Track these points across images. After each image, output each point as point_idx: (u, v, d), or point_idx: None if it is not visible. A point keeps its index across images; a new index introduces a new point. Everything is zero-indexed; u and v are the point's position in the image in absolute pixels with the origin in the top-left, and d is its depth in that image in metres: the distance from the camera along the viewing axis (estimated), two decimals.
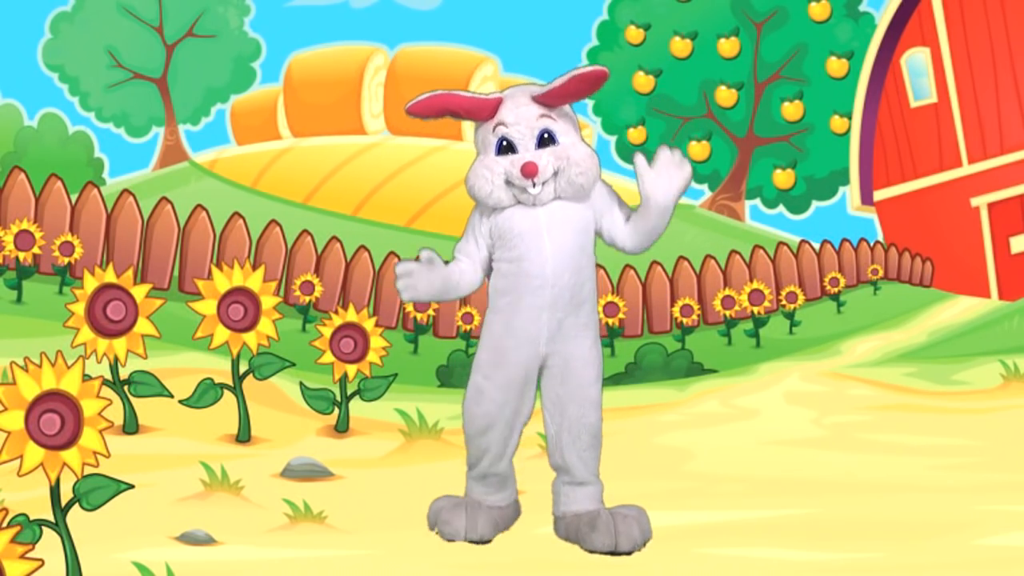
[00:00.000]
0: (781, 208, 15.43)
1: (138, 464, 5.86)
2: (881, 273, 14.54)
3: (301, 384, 7.33)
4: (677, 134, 15.49)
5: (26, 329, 9.56)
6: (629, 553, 4.91)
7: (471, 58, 14.49)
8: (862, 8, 15.26)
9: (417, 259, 5.00)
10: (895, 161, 15.07)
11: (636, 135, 15.46)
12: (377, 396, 7.36)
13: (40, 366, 3.98)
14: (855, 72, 15.13)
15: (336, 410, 7.40)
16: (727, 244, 13.84)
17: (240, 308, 6.86)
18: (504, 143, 4.93)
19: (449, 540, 5.06)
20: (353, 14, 14.55)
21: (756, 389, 10.05)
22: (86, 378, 4.03)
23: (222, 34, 14.96)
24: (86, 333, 6.40)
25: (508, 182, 4.91)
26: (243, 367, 7.00)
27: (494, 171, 4.91)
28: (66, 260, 11.12)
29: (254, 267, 6.97)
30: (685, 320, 12.43)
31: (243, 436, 7.08)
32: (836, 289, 14.02)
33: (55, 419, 3.97)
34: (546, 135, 4.93)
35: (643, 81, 15.50)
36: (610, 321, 11.87)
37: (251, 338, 6.88)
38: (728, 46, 15.44)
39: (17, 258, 10.92)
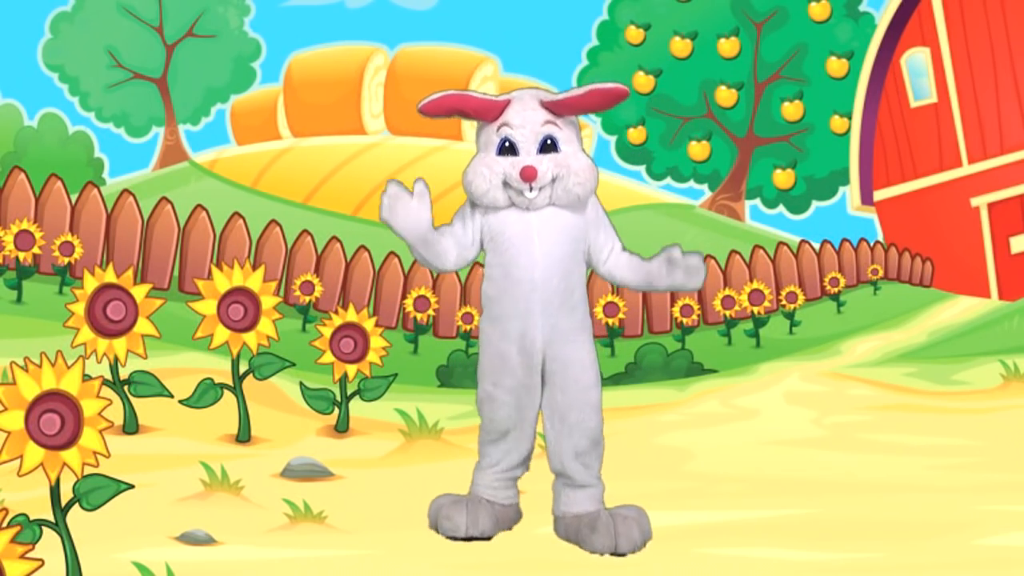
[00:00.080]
0: (781, 208, 15.43)
1: (138, 464, 5.86)
2: (881, 273, 14.54)
3: (301, 384, 7.33)
4: (677, 134, 15.49)
5: (26, 329, 9.56)
6: (627, 554, 4.92)
7: (471, 58, 14.50)
8: (862, 8, 15.26)
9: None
10: (895, 161, 15.07)
11: (636, 135, 15.46)
12: (377, 396, 7.36)
13: (40, 366, 3.98)
14: (855, 72, 15.13)
15: (336, 410, 7.40)
16: (727, 244, 13.84)
17: (240, 308, 6.86)
18: (506, 144, 4.94)
19: (450, 536, 5.07)
20: (349, 14, 14.56)
21: (756, 389, 10.05)
22: (86, 378, 4.03)
23: (222, 34, 14.96)
24: (86, 333, 6.40)
25: (505, 183, 4.93)
26: (243, 367, 7.00)
27: (493, 170, 4.93)
28: (66, 260, 11.12)
29: (254, 267, 6.97)
30: (685, 320, 12.43)
31: (243, 436, 7.08)
32: (836, 289, 14.02)
33: (55, 419, 3.97)
34: (549, 141, 4.93)
35: (643, 81, 15.50)
36: (610, 321, 11.87)
37: (251, 338, 6.88)
38: (728, 46, 15.44)
39: (17, 258, 10.92)
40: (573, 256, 5.00)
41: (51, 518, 4.17)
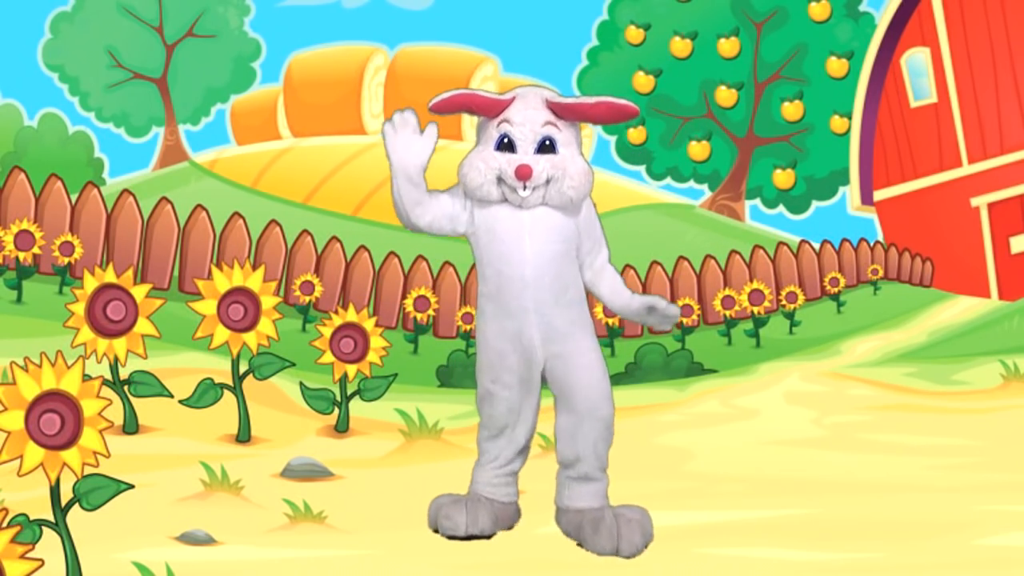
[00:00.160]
0: (781, 208, 15.43)
1: (138, 464, 5.86)
2: (881, 273, 14.54)
3: (301, 384, 7.33)
4: (677, 134, 15.49)
5: (26, 329, 9.56)
6: (630, 557, 4.92)
7: (471, 58, 14.50)
8: (862, 8, 15.27)
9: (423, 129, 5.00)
10: (895, 161, 15.07)
11: (636, 135, 15.46)
12: (377, 396, 7.36)
13: (40, 366, 3.98)
14: (855, 72, 15.13)
15: (336, 410, 7.40)
16: (727, 244, 13.84)
17: (240, 308, 6.86)
18: (505, 140, 4.95)
19: (450, 536, 5.07)
20: (346, 14, 14.56)
21: (756, 389, 10.05)
22: (86, 378, 4.03)
23: (222, 34, 14.96)
24: (86, 333, 6.40)
25: (499, 179, 4.93)
26: (243, 367, 7.00)
27: (489, 165, 4.93)
28: (66, 260, 11.12)
29: (254, 267, 6.97)
30: (685, 320, 12.43)
31: (243, 436, 7.08)
32: (836, 289, 14.02)
33: (55, 419, 3.97)
34: (547, 142, 4.94)
35: (643, 81, 15.50)
36: (610, 321, 11.87)
37: (251, 338, 6.88)
38: (728, 46, 15.44)
39: (17, 258, 10.92)
40: (566, 255, 5.01)
41: (51, 518, 4.17)
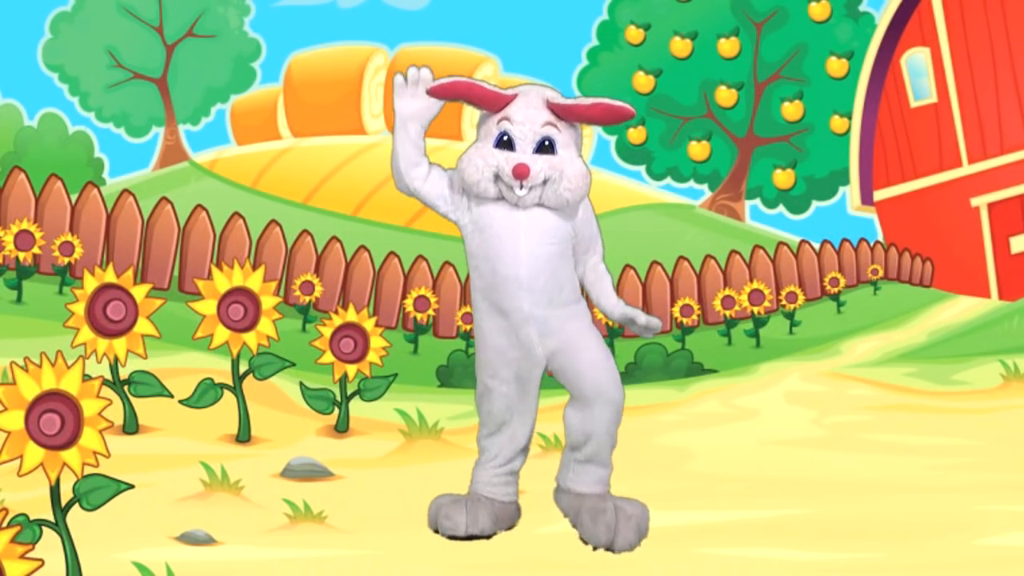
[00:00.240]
0: (781, 208, 15.43)
1: (138, 464, 5.86)
2: (881, 273, 14.54)
3: (301, 384, 7.33)
4: (677, 134, 15.49)
5: (26, 329, 9.56)
6: (622, 551, 4.95)
7: (471, 58, 14.50)
8: (862, 8, 15.26)
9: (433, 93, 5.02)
10: (895, 161, 15.07)
11: (636, 135, 15.46)
12: (377, 396, 7.36)
13: (40, 366, 3.98)
14: (855, 72, 15.13)
15: (336, 410, 7.40)
16: (727, 244, 13.84)
17: (240, 308, 6.86)
18: (504, 138, 4.95)
19: (450, 536, 5.07)
20: (341, 14, 14.56)
21: (756, 389, 10.05)
22: (86, 378, 4.03)
23: (222, 34, 14.96)
24: (86, 333, 6.40)
25: (497, 176, 4.93)
26: (243, 367, 7.00)
27: (487, 162, 4.93)
28: (66, 260, 11.11)
29: (254, 267, 6.97)
30: (685, 320, 12.43)
31: (243, 436, 7.08)
32: (836, 289, 14.02)
33: (55, 419, 3.97)
34: (547, 142, 4.94)
35: (643, 81, 15.50)
36: (610, 322, 11.86)
37: (251, 338, 6.88)
38: (728, 46, 15.44)
39: (17, 258, 10.92)
40: (561, 255, 5.02)
41: (51, 518, 4.17)
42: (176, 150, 14.95)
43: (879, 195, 15.08)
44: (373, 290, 12.32)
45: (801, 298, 13.39)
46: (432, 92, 5.02)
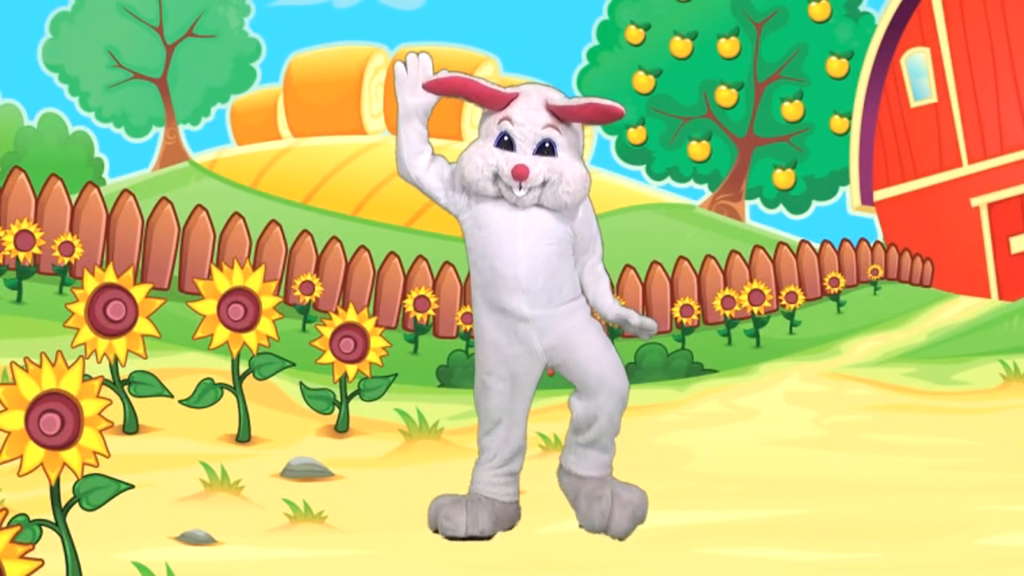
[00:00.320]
0: (781, 208, 15.43)
1: (138, 464, 5.86)
2: (881, 273, 14.54)
3: (301, 384, 7.33)
4: (677, 134, 15.49)
5: (26, 329, 9.56)
6: (616, 538, 5.01)
7: (471, 58, 14.49)
8: (862, 8, 15.27)
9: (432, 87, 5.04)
10: (895, 161, 15.07)
11: (636, 135, 15.46)
12: (377, 396, 7.36)
13: (40, 366, 3.98)
14: (855, 72, 15.13)
15: (336, 410, 7.40)
16: (727, 244, 13.84)
17: (240, 308, 6.86)
18: (505, 138, 4.95)
19: (450, 536, 5.07)
20: (337, 14, 14.56)
21: (756, 389, 10.05)
22: (86, 378, 4.03)
23: (222, 34, 14.96)
24: (86, 333, 6.40)
25: (496, 176, 4.94)
26: (243, 367, 7.00)
27: (487, 161, 4.94)
28: (66, 260, 11.11)
29: (254, 267, 6.97)
30: (685, 320, 12.43)
31: (243, 436, 7.08)
32: (836, 289, 14.02)
33: (55, 419, 3.97)
34: (547, 144, 4.94)
35: (643, 81, 15.51)
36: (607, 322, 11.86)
37: (251, 338, 6.88)
38: (728, 46, 15.44)
39: (17, 258, 10.92)
40: (560, 256, 5.02)
41: (51, 518, 4.17)
42: (176, 150, 14.95)
43: (879, 195, 15.08)
44: (373, 290, 12.32)
45: (801, 298, 13.39)
46: (428, 87, 5.04)
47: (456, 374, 10.68)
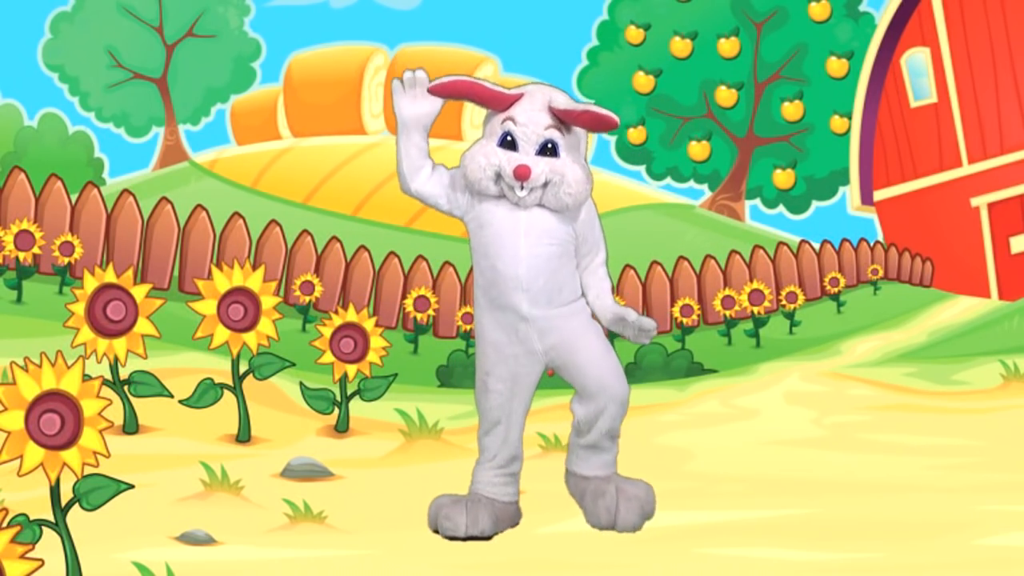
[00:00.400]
0: (781, 208, 15.43)
1: (138, 464, 5.86)
2: (881, 273, 14.54)
3: (301, 384, 7.33)
4: (677, 134, 15.49)
5: (26, 329, 9.56)
6: (624, 532, 5.01)
7: (471, 58, 14.49)
8: (862, 8, 15.27)
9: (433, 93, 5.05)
10: (895, 161, 15.07)
11: (636, 135, 15.46)
12: (377, 396, 7.36)
13: (40, 366, 3.98)
14: (855, 72, 15.13)
15: (336, 410, 7.40)
16: (727, 244, 13.84)
17: (240, 308, 6.86)
18: (508, 138, 4.96)
19: (450, 536, 5.07)
20: (333, 14, 14.57)
21: (756, 389, 10.05)
22: (86, 378, 4.03)
23: (222, 34, 14.96)
24: (86, 333, 6.40)
25: (498, 175, 4.95)
26: (243, 367, 7.00)
27: (489, 160, 4.96)
28: (66, 260, 11.11)
29: (254, 267, 6.97)
30: (685, 320, 12.43)
31: (243, 436, 7.08)
32: (836, 289, 14.02)
33: (55, 419, 3.97)
34: (549, 145, 4.95)
35: (643, 81, 15.51)
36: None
37: (251, 338, 6.88)
38: (728, 46, 15.44)
39: (17, 258, 10.92)
40: (561, 257, 5.03)
41: (51, 518, 4.17)
42: (176, 150, 14.95)
43: (879, 195, 15.08)
44: (373, 290, 12.32)
45: (801, 298, 13.39)
46: (433, 91, 5.05)
47: (456, 374, 10.68)
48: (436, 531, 5.16)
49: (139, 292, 6.46)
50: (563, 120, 4.98)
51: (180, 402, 6.79)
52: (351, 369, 7.32)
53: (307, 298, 11.79)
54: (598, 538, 5.09)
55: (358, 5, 14.52)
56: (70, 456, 4.00)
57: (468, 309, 11.71)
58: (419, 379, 10.01)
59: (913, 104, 14.96)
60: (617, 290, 12.22)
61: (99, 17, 14.69)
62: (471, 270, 5.16)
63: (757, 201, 15.48)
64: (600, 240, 5.17)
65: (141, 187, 12.86)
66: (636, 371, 10.88)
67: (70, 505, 4.19)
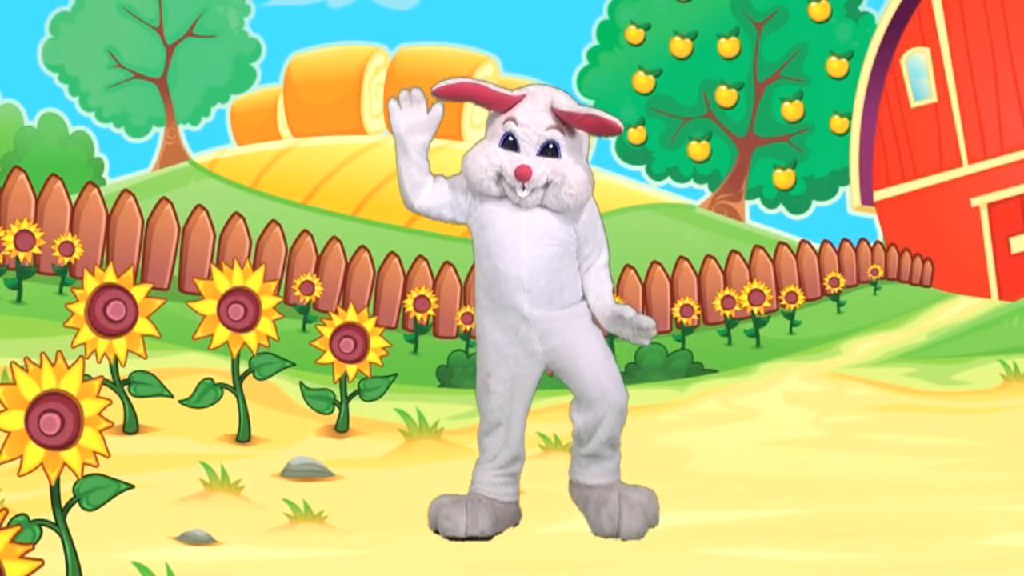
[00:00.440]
0: (781, 208, 15.43)
1: (138, 464, 5.86)
2: (881, 273, 14.54)
3: (301, 384, 7.33)
4: (677, 134, 15.49)
5: (26, 329, 9.56)
6: (629, 539, 4.99)
7: (471, 58, 14.50)
8: (862, 8, 15.27)
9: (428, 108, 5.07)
10: (895, 161, 15.08)
11: (636, 135, 15.46)
12: (377, 396, 7.36)
13: (40, 366, 3.98)
14: (855, 72, 15.13)
15: (336, 410, 7.40)
16: (727, 244, 13.84)
17: (240, 308, 6.86)
18: (509, 139, 4.96)
19: (450, 536, 5.07)
20: (331, 14, 14.57)
21: (756, 389, 10.05)
22: (86, 378, 4.03)
23: (222, 34, 14.96)
24: (86, 333, 6.40)
25: (500, 176, 4.95)
26: (243, 367, 7.00)
27: (491, 161, 4.96)
28: (66, 260, 11.11)
29: (254, 267, 6.97)
30: (685, 320, 12.43)
31: (243, 436, 7.08)
32: (836, 289, 14.02)
33: (55, 419, 3.97)
34: (551, 146, 4.95)
35: (643, 81, 15.51)
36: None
37: (251, 338, 6.88)
38: (728, 46, 15.44)
39: (17, 258, 10.92)
40: (562, 257, 5.03)
41: (51, 518, 4.17)
42: (176, 150, 14.96)
43: (879, 195, 15.08)
44: (373, 290, 12.32)
45: (801, 298, 13.39)
46: (437, 93, 5.04)
47: (456, 374, 10.68)
48: (436, 531, 5.16)
49: (139, 292, 6.46)
50: (566, 122, 4.98)
51: (180, 402, 6.79)
52: (351, 369, 7.32)
53: (307, 298, 11.79)
54: (598, 539, 5.09)
55: (356, 5, 14.53)
56: (70, 456, 4.00)
57: (468, 309, 11.71)
58: (419, 379, 10.01)
59: (913, 104, 14.96)
60: (617, 290, 12.20)
61: (99, 17, 14.70)
62: (471, 270, 5.17)
63: (757, 201, 15.48)
64: (603, 242, 5.16)
65: (141, 187, 12.86)
66: (636, 371, 10.89)
67: (70, 505, 4.19)
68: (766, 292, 12.88)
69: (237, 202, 13.21)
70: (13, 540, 3.71)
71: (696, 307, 12.61)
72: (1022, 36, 14.32)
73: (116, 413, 6.68)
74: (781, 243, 14.03)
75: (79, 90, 14.65)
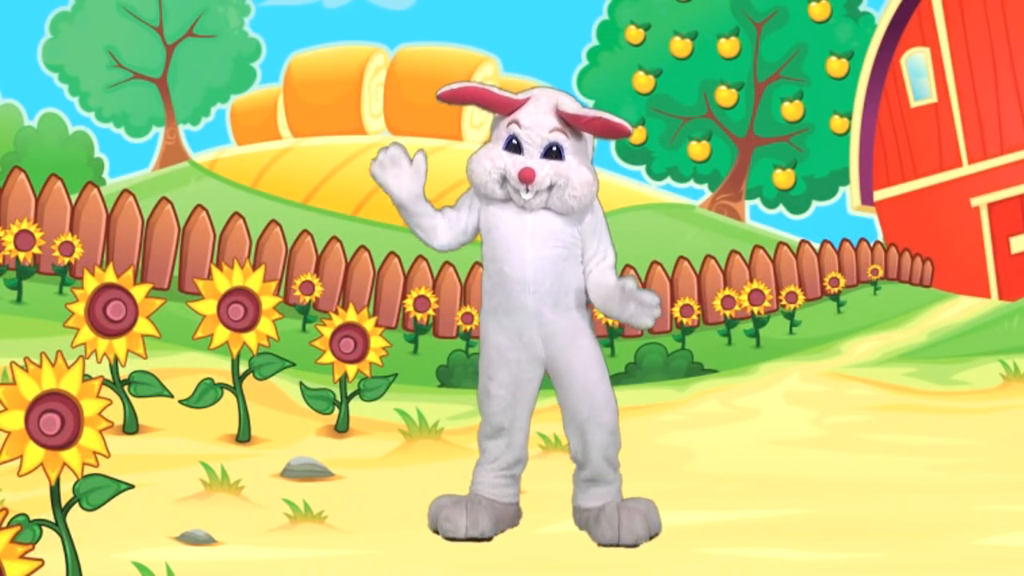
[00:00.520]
0: (781, 208, 15.43)
1: (138, 464, 5.86)
2: (881, 273, 14.54)
3: (301, 384, 7.33)
4: (677, 134, 15.49)
5: (26, 329, 9.56)
6: (634, 545, 4.96)
7: (471, 58, 14.49)
8: (862, 8, 15.27)
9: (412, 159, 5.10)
10: (895, 161, 15.08)
11: (636, 135, 15.45)
12: (377, 396, 7.36)
13: (40, 366, 3.98)
14: (855, 72, 15.13)
15: (336, 410, 7.40)
16: (727, 244, 13.84)
17: (240, 308, 6.86)
18: (513, 141, 4.97)
19: (450, 537, 5.07)
20: (327, 14, 14.56)
21: (756, 389, 10.06)
22: (86, 378, 4.03)
23: (222, 34, 14.96)
24: (86, 333, 6.40)
25: (504, 179, 4.95)
26: (243, 367, 7.00)
27: (495, 164, 4.96)
28: (66, 260, 11.11)
29: (254, 267, 6.97)
30: (685, 320, 12.43)
31: (243, 436, 7.08)
32: (836, 289, 14.02)
33: (55, 419, 3.97)
34: (555, 148, 4.95)
35: (643, 81, 15.50)
36: (610, 321, 11.87)
37: (251, 338, 6.88)
38: (728, 46, 15.44)
39: (17, 258, 10.92)
40: (567, 259, 5.02)
41: (51, 518, 4.17)
42: (176, 150, 14.95)
43: (879, 195, 15.08)
44: (373, 290, 12.32)
45: (801, 298, 13.39)
46: (441, 97, 5.04)
47: (456, 374, 10.68)
48: (436, 531, 5.16)
49: (139, 292, 6.46)
50: (573, 125, 4.98)
51: (180, 402, 6.79)
52: (351, 369, 7.32)
53: (307, 298, 11.79)
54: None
55: (352, 5, 14.52)
56: (70, 456, 4.00)
57: (468, 309, 11.71)
58: (419, 379, 10.01)
59: (913, 104, 14.96)
60: None
61: (99, 17, 14.69)
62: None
63: (757, 201, 15.48)
64: (609, 246, 5.14)
65: (141, 187, 12.86)
66: (636, 371, 10.89)
67: (70, 505, 4.19)
68: (766, 292, 12.88)
69: (237, 202, 13.21)
70: (13, 540, 3.71)
71: (696, 307, 12.60)
72: (1022, 36, 14.32)
73: (116, 413, 6.68)
74: (781, 243, 14.03)
75: (79, 90, 14.65)
